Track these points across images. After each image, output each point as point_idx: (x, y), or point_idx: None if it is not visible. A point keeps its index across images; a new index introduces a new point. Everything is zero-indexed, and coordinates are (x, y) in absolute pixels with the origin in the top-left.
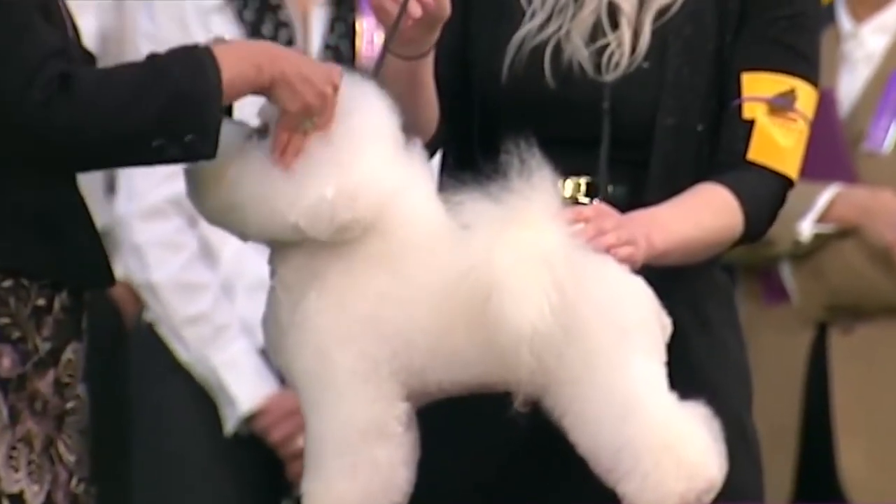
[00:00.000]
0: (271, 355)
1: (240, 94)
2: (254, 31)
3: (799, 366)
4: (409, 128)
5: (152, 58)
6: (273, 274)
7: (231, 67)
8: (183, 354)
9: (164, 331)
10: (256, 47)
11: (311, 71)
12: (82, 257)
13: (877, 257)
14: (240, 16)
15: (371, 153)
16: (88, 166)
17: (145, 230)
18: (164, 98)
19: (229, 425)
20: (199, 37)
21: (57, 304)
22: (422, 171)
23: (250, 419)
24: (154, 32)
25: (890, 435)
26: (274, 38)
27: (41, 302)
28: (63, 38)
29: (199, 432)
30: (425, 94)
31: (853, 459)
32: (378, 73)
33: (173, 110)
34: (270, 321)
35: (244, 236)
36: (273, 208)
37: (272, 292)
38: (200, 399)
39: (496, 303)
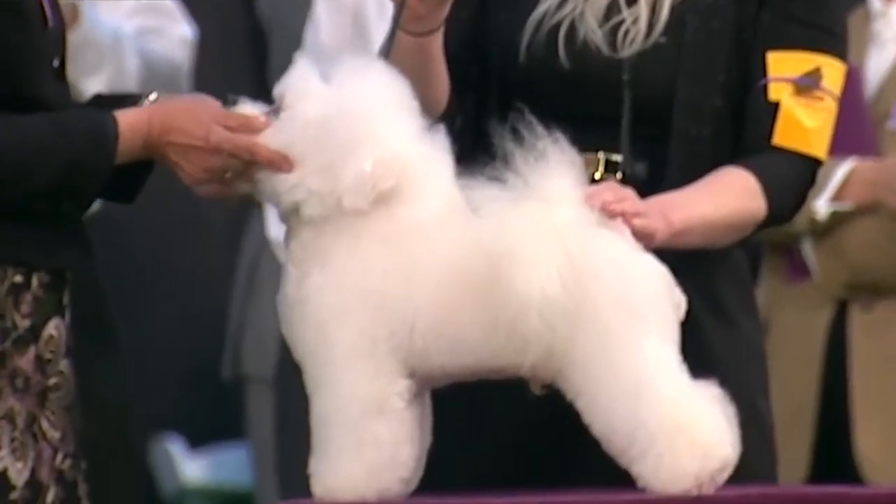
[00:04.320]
0: (284, 331)
1: (123, 163)
2: None
3: (819, 343)
4: (421, 104)
5: (58, 119)
6: (286, 249)
7: (123, 152)
8: None
9: None
10: (154, 120)
11: (186, 158)
12: (59, 239)
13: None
14: None
15: (395, 125)
16: None
17: None
18: (56, 169)
19: None
20: None
21: (35, 282)
22: (441, 153)
23: None
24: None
25: None
26: None
27: (18, 279)
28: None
29: None
30: (435, 70)
31: (869, 438)
32: (389, 51)
33: (62, 182)
34: (282, 296)
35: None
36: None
37: (285, 268)
38: None
39: (505, 270)
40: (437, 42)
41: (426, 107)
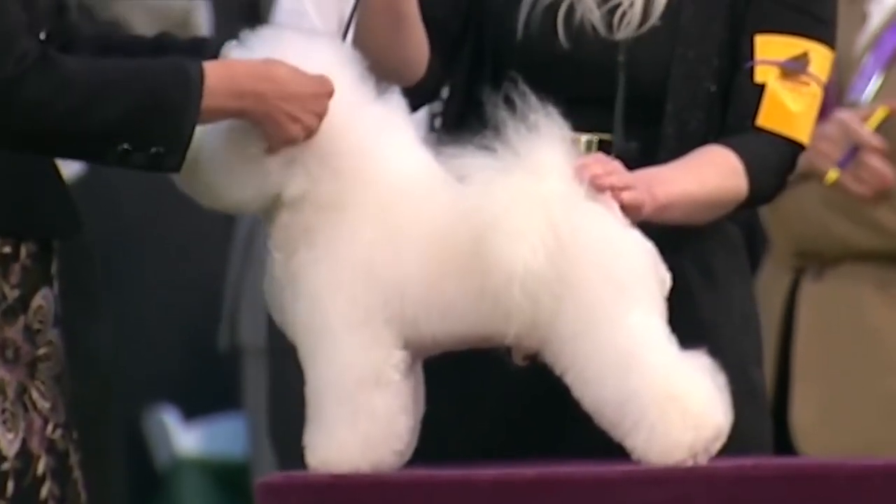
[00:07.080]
0: (275, 317)
1: (216, 120)
2: None
3: (777, 312)
4: (392, 70)
5: (144, 60)
6: (267, 236)
7: (213, 94)
8: None
9: None
10: (245, 74)
11: (299, 104)
12: (46, 209)
13: (831, 202)
14: None
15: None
16: (48, 151)
17: None
18: (140, 103)
19: None
20: None
21: (23, 252)
22: (400, 119)
23: None
24: None
25: (845, 385)
26: None
27: (7, 250)
28: (37, 15)
29: None
30: (409, 33)
31: (805, 409)
32: (352, 17)
33: (146, 119)
34: (270, 282)
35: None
36: (252, 182)
37: (269, 254)
38: None
39: (489, 241)
40: (409, 3)
41: (399, 70)
